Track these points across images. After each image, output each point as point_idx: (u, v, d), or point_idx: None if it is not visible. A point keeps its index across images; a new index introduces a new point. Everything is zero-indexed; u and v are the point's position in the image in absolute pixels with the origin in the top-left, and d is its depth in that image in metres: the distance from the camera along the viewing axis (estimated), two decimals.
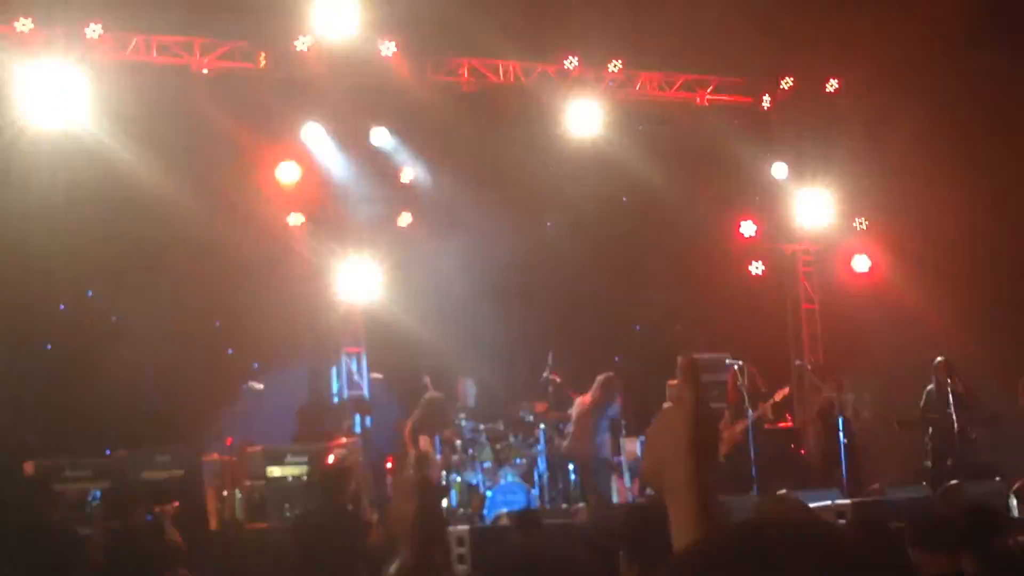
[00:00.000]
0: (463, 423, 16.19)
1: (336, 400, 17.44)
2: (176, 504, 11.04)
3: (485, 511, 15.34)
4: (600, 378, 16.59)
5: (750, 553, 1.90)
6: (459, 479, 15.70)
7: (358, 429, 16.74)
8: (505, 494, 15.48)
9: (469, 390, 16.60)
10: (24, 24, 15.18)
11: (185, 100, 16.33)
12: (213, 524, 14.81)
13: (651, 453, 2.45)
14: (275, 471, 15.29)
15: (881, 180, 19.05)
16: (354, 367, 17.31)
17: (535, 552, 8.33)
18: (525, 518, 10.44)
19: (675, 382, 18.26)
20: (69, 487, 13.90)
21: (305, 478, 15.32)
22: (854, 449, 16.48)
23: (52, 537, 9.52)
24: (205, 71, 16.43)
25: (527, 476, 16.12)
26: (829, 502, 13.19)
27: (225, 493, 15.19)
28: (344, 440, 16.11)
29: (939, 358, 16.57)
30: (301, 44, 16.38)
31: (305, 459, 15.47)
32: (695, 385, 2.45)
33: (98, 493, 13.62)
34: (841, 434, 16.04)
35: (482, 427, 16.20)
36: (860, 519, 6.67)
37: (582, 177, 18.38)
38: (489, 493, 15.58)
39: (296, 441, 16.62)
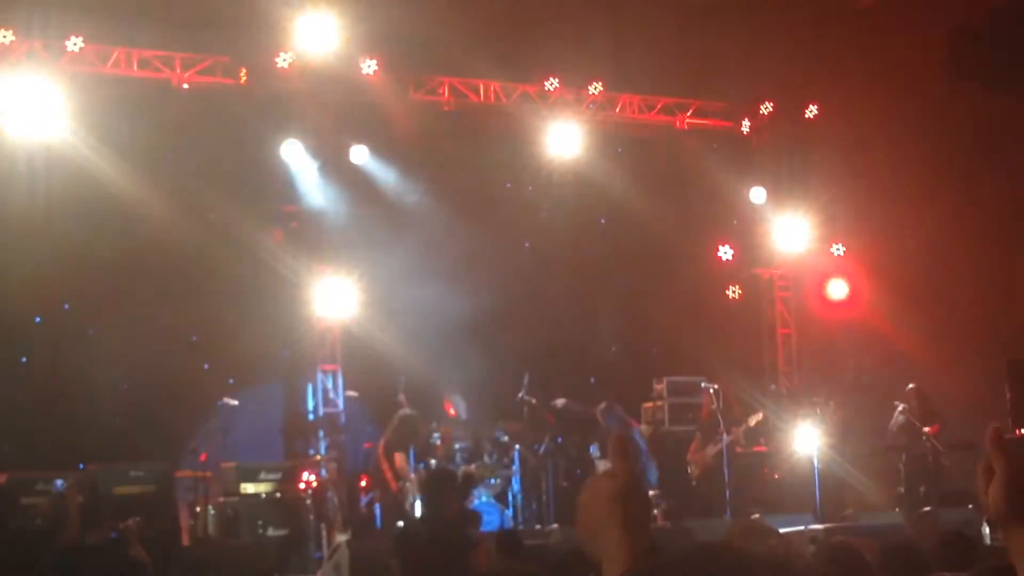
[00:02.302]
0: (437, 441, 16.15)
1: (312, 417, 17.39)
2: (139, 520, 10.96)
3: None
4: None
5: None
6: None
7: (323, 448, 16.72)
8: (482, 513, 15.44)
9: (459, 404, 16.60)
10: (5, 36, 15.15)
11: (165, 114, 16.30)
12: (185, 540, 14.76)
13: (584, 520, 2.54)
14: (249, 488, 15.25)
15: (859, 206, 19.14)
16: (330, 384, 17.28)
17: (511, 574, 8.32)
18: (505, 540, 10.31)
19: (650, 404, 18.40)
20: (41, 500, 13.84)
21: (278, 495, 15.30)
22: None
23: (16, 550, 9.44)
24: (186, 86, 16.42)
25: (501, 496, 16.10)
26: (802, 527, 13.22)
27: (198, 509, 15.14)
28: (317, 457, 16.09)
29: (910, 385, 16.64)
30: (282, 60, 16.39)
31: (279, 476, 15.44)
32: (626, 460, 2.56)
33: (59, 483, 13.56)
34: (815, 460, 16.05)
35: (457, 446, 16.17)
36: (832, 545, 6.66)
37: (561, 198, 18.45)
38: None
39: (287, 454, 16.63)
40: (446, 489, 10.00)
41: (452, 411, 16.61)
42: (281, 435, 17.38)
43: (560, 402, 17.57)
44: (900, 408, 16.50)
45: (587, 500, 2.55)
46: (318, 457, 16.07)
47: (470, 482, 15.13)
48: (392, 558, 8.93)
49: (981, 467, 2.69)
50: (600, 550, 2.49)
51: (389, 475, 16.10)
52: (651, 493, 16.82)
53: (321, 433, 16.84)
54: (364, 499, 16.26)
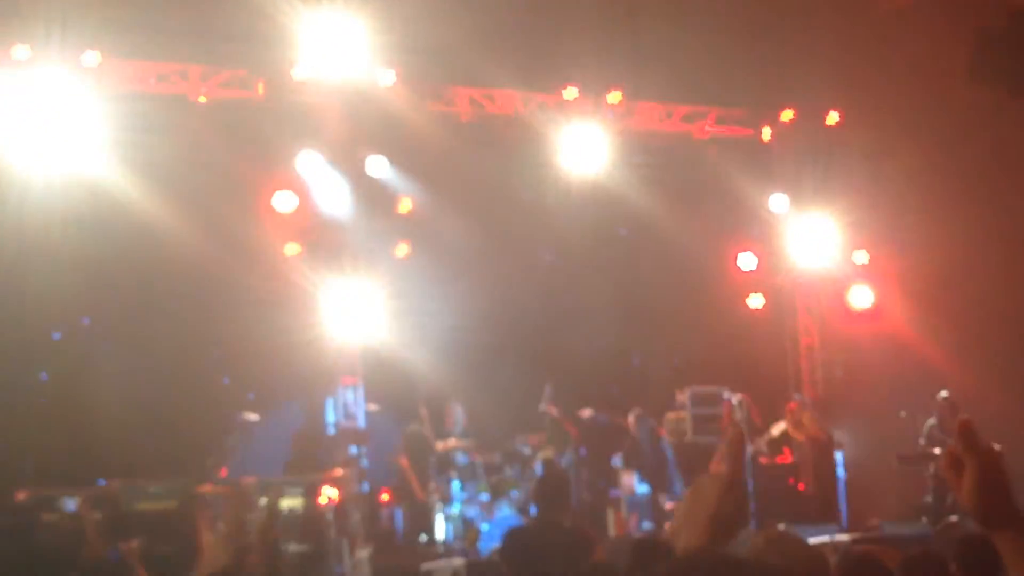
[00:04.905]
0: (458, 456, 16.10)
1: (332, 430, 17.33)
2: (141, 541, 10.89)
3: (480, 544, 15.22)
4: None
5: None
6: (455, 511, 15.59)
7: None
8: (501, 527, 15.35)
9: (458, 416, 16.52)
10: (22, 51, 15.14)
11: (182, 128, 16.27)
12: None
13: (679, 514, 2.58)
14: None
15: (882, 213, 18.97)
16: (350, 398, 17.20)
17: None
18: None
19: (674, 414, 18.30)
20: (59, 518, 13.80)
21: (300, 510, 15.22)
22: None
23: (36, 566, 9.41)
24: (203, 99, 16.38)
25: (523, 509, 16.01)
26: (827, 537, 13.09)
27: (219, 525, 15.08)
28: (339, 471, 16.01)
29: (943, 393, 16.47)
30: (299, 73, 16.34)
31: (300, 491, 15.36)
32: (736, 459, 2.55)
33: (70, 503, 13.52)
34: (840, 468, 15.94)
35: (478, 460, 16.11)
36: (854, 555, 6.55)
37: (580, 208, 18.32)
38: (485, 526, 15.46)
39: (290, 467, 16.53)
40: (560, 491, 9.65)
41: (450, 422, 16.54)
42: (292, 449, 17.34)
43: (587, 413, 17.50)
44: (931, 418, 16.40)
45: (687, 497, 2.57)
46: (339, 471, 16.00)
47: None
48: (501, 564, 8.72)
49: (946, 461, 2.62)
50: (682, 545, 2.51)
51: (416, 485, 16.03)
52: (671, 505, 16.74)
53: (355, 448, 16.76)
54: (385, 512, 16.22)
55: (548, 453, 16.60)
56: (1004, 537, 2.57)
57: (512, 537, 9.02)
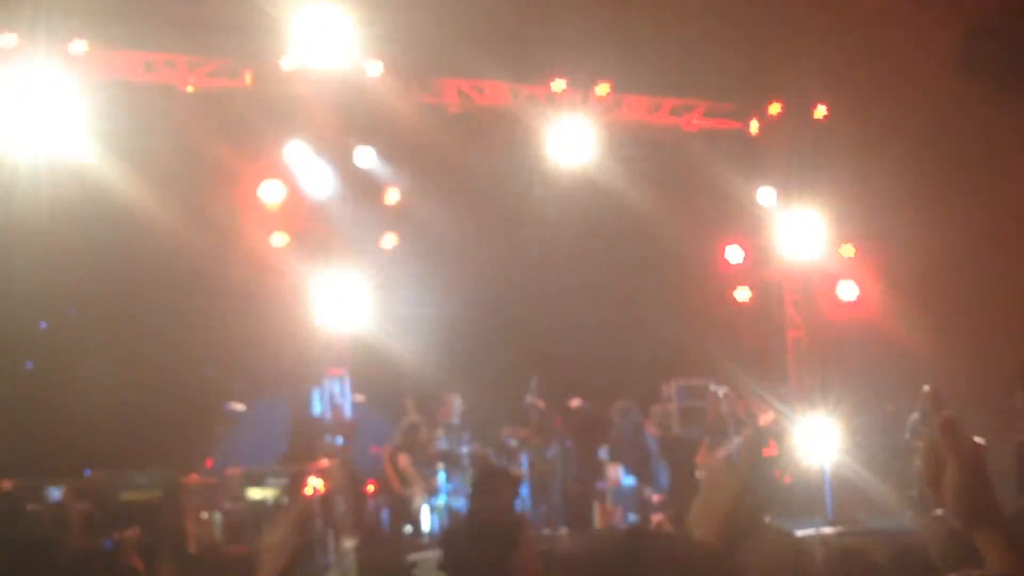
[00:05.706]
0: (444, 445, 16.09)
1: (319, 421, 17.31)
2: (137, 530, 10.87)
3: None
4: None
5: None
6: (441, 503, 15.58)
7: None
8: None
9: (456, 406, 16.52)
10: (8, 40, 15.08)
11: (170, 118, 16.23)
12: (192, 547, 14.69)
13: (695, 509, 2.58)
14: (255, 493, 15.17)
15: (869, 206, 18.99)
16: (337, 389, 17.17)
17: None
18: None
19: (660, 407, 18.30)
20: (47, 507, 13.79)
21: (285, 501, 15.21)
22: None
23: (21, 556, 9.37)
24: (190, 89, 16.33)
25: None
26: (813, 530, 13.11)
27: (204, 515, 15.07)
28: (326, 461, 16.00)
29: (925, 387, 16.51)
30: (287, 63, 16.31)
31: (285, 481, 15.36)
32: (753, 460, 2.55)
33: (55, 492, 13.49)
34: (826, 463, 15.96)
35: (465, 450, 16.09)
36: (839, 548, 6.55)
37: (568, 200, 18.31)
38: None
39: (286, 457, 16.53)
40: (497, 488, 9.40)
41: (447, 413, 16.53)
42: (289, 439, 17.31)
43: (575, 402, 17.51)
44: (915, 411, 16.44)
45: (707, 486, 2.57)
46: (326, 461, 15.98)
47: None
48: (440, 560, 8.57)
49: (927, 456, 2.61)
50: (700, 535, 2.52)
51: (393, 477, 16.03)
52: (657, 498, 16.76)
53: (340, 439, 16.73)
54: (372, 504, 16.20)
55: (518, 472, 16.45)
56: (983, 533, 2.60)
57: (444, 533, 8.92)
